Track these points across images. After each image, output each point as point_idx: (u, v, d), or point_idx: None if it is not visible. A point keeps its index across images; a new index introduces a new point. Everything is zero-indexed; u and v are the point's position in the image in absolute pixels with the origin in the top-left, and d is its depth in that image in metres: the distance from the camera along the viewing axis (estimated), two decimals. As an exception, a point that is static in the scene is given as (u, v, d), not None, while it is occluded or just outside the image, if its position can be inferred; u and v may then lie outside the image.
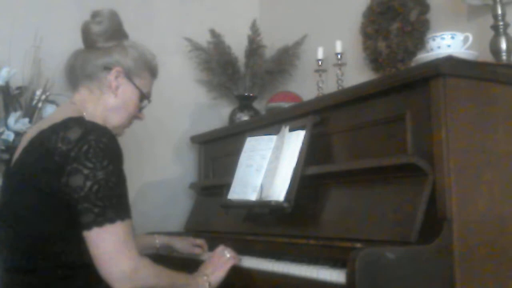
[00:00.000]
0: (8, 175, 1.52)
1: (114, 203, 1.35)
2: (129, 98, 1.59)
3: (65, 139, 1.35)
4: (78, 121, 1.42)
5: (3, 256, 1.46)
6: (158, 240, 1.96)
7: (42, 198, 1.37)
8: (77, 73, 1.57)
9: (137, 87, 1.59)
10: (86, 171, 1.33)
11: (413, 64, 1.86)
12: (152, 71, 1.66)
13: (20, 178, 1.43)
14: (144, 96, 1.63)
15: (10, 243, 1.43)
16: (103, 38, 1.57)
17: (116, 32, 1.60)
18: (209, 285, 1.56)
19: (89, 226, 1.32)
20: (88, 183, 1.32)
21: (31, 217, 1.38)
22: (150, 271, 1.40)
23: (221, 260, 1.66)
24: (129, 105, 1.60)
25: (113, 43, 1.58)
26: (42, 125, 1.47)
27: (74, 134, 1.36)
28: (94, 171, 1.33)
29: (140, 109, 1.65)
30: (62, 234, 1.38)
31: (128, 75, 1.57)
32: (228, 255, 1.68)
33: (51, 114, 1.63)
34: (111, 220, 1.33)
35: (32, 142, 1.44)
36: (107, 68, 1.55)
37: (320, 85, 2.40)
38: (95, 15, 1.60)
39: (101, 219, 1.32)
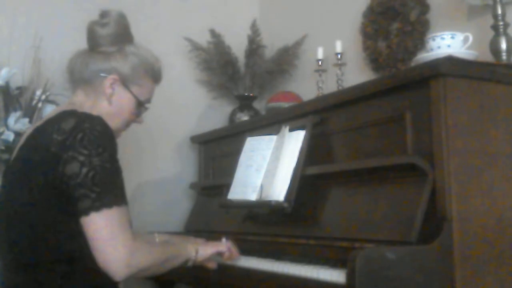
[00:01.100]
0: (7, 173, 1.53)
1: (110, 189, 1.37)
2: (124, 105, 1.59)
3: (60, 130, 1.38)
4: (71, 113, 1.44)
5: (3, 253, 1.47)
6: (158, 239, 1.96)
7: (40, 191, 1.38)
8: (75, 76, 1.59)
9: (133, 95, 1.59)
10: (81, 158, 1.34)
11: (413, 64, 1.86)
12: (154, 77, 1.65)
13: (18, 174, 1.44)
14: (140, 104, 1.63)
15: (9, 239, 1.44)
16: (107, 42, 1.57)
17: (121, 36, 1.59)
18: (196, 252, 1.58)
19: (86, 212, 1.34)
20: (84, 170, 1.34)
21: (31, 211, 1.39)
22: (145, 251, 1.42)
23: (219, 243, 1.69)
24: (124, 112, 1.60)
25: (115, 48, 1.57)
26: (39, 123, 1.50)
27: (68, 124, 1.38)
28: (89, 158, 1.35)
29: (137, 115, 1.65)
30: (61, 226, 1.39)
31: (125, 83, 1.57)
32: (225, 243, 1.69)
33: (48, 114, 1.64)
34: (108, 205, 1.35)
35: (28, 139, 1.47)
36: (104, 75, 1.55)
37: (320, 85, 2.41)
38: (103, 15, 1.60)
39: (98, 204, 1.34)
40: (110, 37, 1.57)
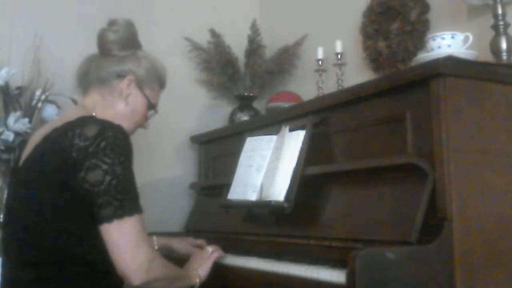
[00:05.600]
0: (17, 172, 1.54)
1: (131, 197, 1.43)
2: (138, 106, 1.65)
3: (82, 136, 1.40)
4: (92, 119, 1.48)
5: (12, 250, 1.48)
6: (157, 242, 1.97)
7: (56, 192, 1.40)
8: (90, 78, 1.62)
9: (146, 97, 1.65)
10: (105, 166, 1.38)
11: (413, 64, 1.86)
12: (161, 82, 1.72)
13: (32, 174, 1.46)
14: (152, 106, 1.69)
15: (18, 237, 1.46)
16: (118, 46, 1.62)
17: (130, 41, 1.66)
18: (199, 278, 1.65)
19: (110, 219, 1.38)
20: (108, 178, 1.38)
21: (43, 210, 1.41)
22: (161, 262, 1.48)
23: (205, 255, 1.75)
24: (137, 113, 1.65)
25: (127, 52, 1.63)
26: (55, 124, 1.51)
27: (91, 130, 1.41)
28: (112, 167, 1.39)
29: (146, 119, 1.71)
30: (73, 228, 1.41)
31: (140, 84, 1.63)
32: (210, 250, 1.77)
33: (62, 115, 1.69)
34: (130, 213, 1.40)
35: (45, 139, 1.47)
36: (120, 76, 1.60)
37: (320, 85, 2.41)
38: (111, 23, 1.66)
39: (121, 212, 1.39)
40: (121, 42, 1.63)
